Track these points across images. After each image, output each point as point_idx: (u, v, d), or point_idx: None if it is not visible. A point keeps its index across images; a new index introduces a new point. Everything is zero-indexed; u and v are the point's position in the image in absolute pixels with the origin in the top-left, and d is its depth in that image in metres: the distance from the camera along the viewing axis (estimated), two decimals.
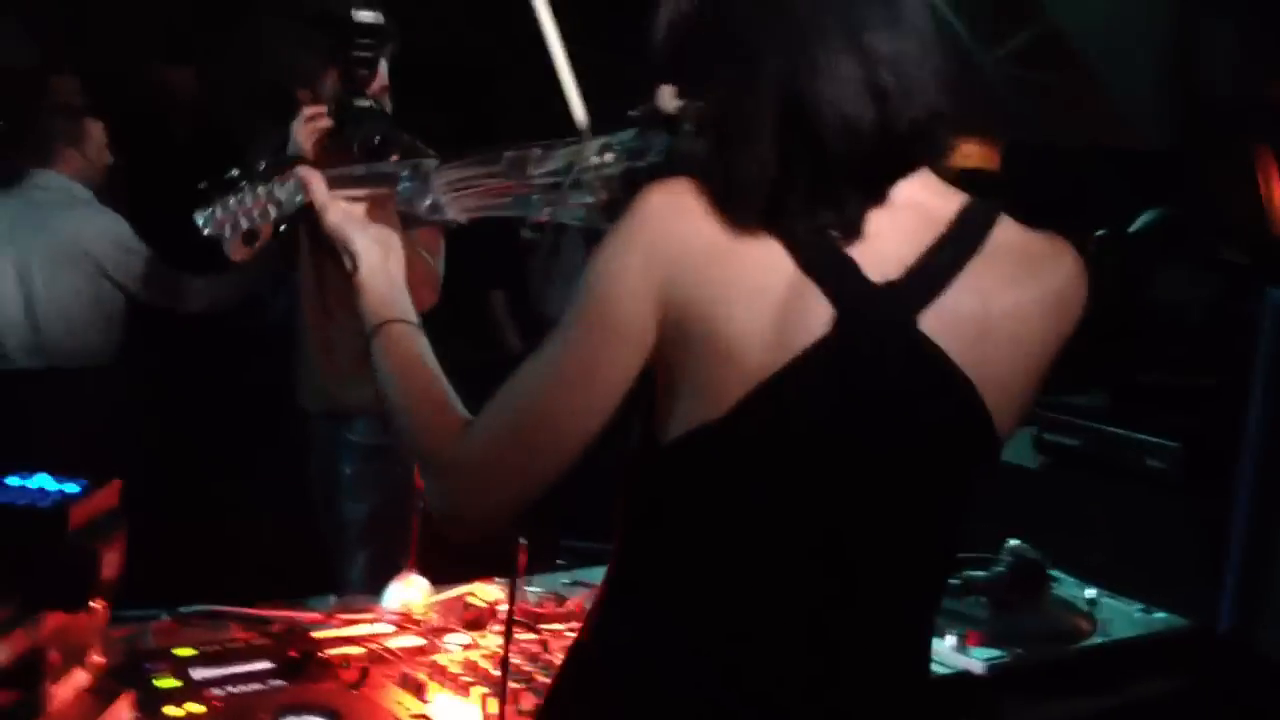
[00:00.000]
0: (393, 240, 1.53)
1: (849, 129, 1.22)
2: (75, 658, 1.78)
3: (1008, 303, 1.29)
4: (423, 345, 1.45)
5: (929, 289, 1.27)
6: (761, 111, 1.22)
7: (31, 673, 1.66)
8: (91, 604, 1.75)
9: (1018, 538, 2.49)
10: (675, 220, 1.22)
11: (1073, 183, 5.01)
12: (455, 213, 1.49)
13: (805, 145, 1.22)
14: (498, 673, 2.08)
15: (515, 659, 2.14)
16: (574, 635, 2.27)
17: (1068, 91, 6.72)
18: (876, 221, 1.26)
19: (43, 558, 1.64)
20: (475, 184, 1.48)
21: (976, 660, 2.20)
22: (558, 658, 2.18)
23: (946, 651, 2.21)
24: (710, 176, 1.23)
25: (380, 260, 1.50)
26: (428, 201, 1.49)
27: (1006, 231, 1.33)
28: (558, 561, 2.63)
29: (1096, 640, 2.39)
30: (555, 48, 2.54)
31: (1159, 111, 6.07)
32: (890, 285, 1.26)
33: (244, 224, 1.53)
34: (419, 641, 2.23)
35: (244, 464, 3.73)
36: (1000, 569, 2.43)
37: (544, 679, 2.09)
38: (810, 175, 1.22)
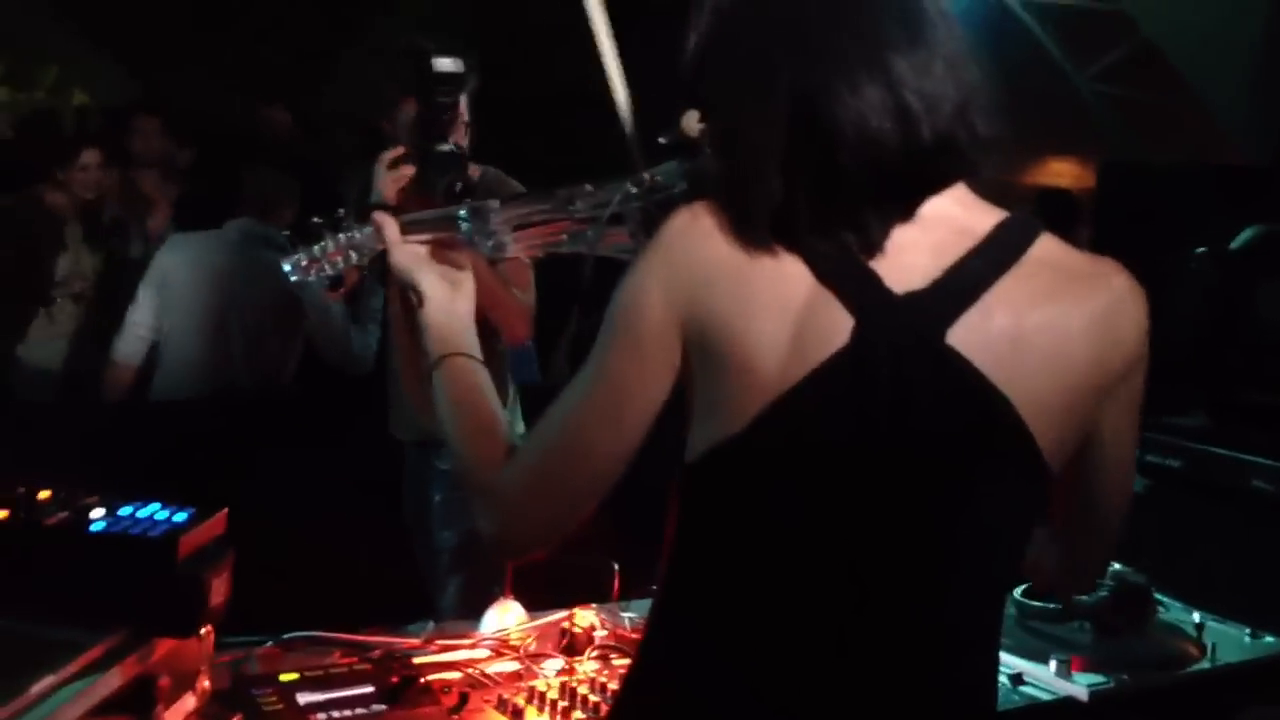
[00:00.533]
0: (461, 278, 1.57)
1: (869, 148, 1.21)
2: (185, 683, 1.82)
3: (1043, 318, 1.25)
4: (481, 378, 1.50)
5: (956, 301, 1.24)
6: (774, 133, 1.22)
7: (143, 698, 1.70)
8: (200, 630, 1.79)
9: (1121, 561, 2.45)
10: (694, 241, 1.25)
11: (1170, 200, 4.92)
12: (516, 250, 1.55)
13: (823, 165, 1.22)
14: (595, 697, 2.09)
15: (611, 684, 2.15)
16: None
17: (1164, 108, 6.62)
18: (904, 236, 1.25)
19: (154, 585, 1.69)
20: (533, 222, 1.54)
21: (1079, 686, 2.16)
22: None
23: (1049, 677, 2.18)
24: (726, 197, 1.25)
25: (445, 297, 1.54)
26: (490, 241, 1.54)
27: (1048, 248, 1.29)
28: (653, 587, 2.63)
29: (1204, 666, 2.33)
30: (615, 78, 2.58)
31: (1258, 126, 5.94)
32: (913, 296, 1.24)
33: (328, 270, 1.59)
34: (516, 667, 2.25)
35: (342, 492, 3.79)
36: (1104, 593, 2.39)
37: None
38: (829, 195, 1.22)
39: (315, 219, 1.61)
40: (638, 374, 1.27)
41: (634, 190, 1.43)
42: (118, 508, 1.76)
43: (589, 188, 1.49)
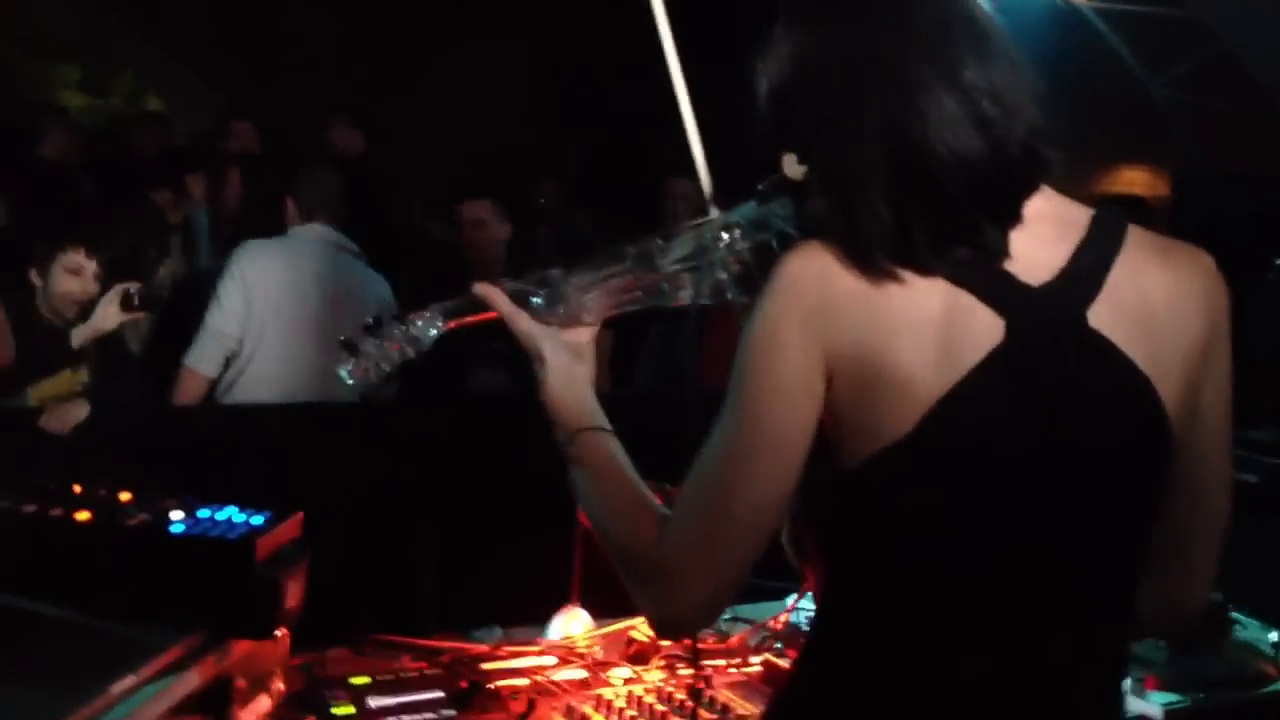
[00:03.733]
0: (583, 345, 1.55)
1: (964, 163, 1.25)
2: (260, 684, 1.85)
3: (1161, 290, 1.31)
4: (615, 450, 1.47)
5: (1088, 287, 1.29)
6: (871, 167, 1.26)
7: (220, 698, 1.73)
8: (276, 632, 1.81)
9: None
10: (818, 280, 1.26)
11: (1247, 210, 4.85)
12: (591, 316, 1.53)
13: (924, 189, 1.25)
14: (661, 707, 2.09)
15: (678, 694, 2.15)
16: (736, 670, 2.29)
17: (1240, 117, 6.51)
18: (1016, 236, 1.30)
19: (231, 587, 1.71)
20: (604, 284, 1.52)
21: (1154, 705, 2.14)
22: (720, 693, 2.18)
23: (1124, 695, 2.15)
24: (838, 235, 1.27)
25: (567, 366, 1.51)
26: (562, 309, 1.53)
27: (1139, 233, 1.35)
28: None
29: None
30: (689, 122, 2.58)
31: None
32: (1049, 287, 1.28)
33: (384, 368, 1.55)
34: (583, 674, 2.26)
35: (412, 499, 3.82)
36: None
37: (707, 714, 2.10)
38: (938, 215, 1.26)
39: (367, 320, 1.58)
40: (786, 416, 1.27)
41: (724, 238, 1.42)
42: (197, 510, 1.79)
43: (660, 241, 1.48)
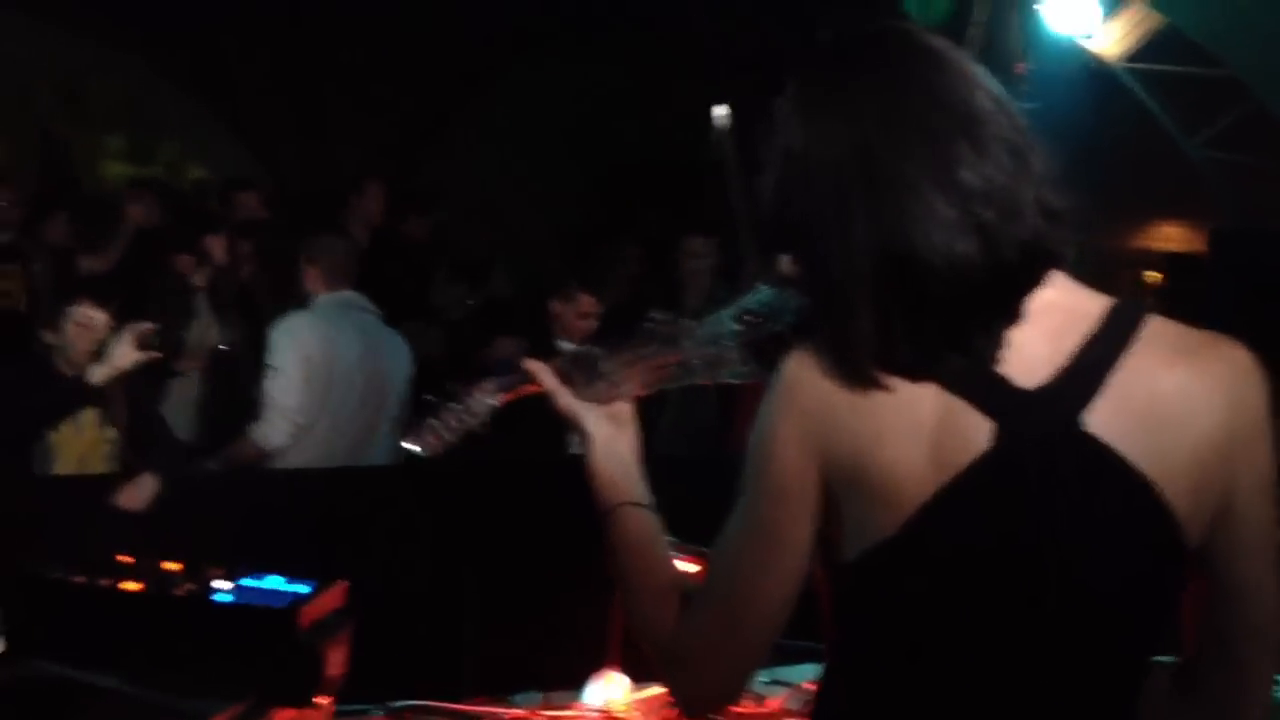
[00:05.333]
0: (624, 416, 1.56)
1: (956, 272, 1.20)
2: None
3: (1171, 388, 1.24)
4: (653, 528, 1.48)
5: (1087, 386, 1.24)
6: (856, 276, 1.22)
7: None
8: (318, 700, 1.84)
9: None
10: (813, 383, 1.26)
11: None
12: (626, 392, 1.57)
13: (913, 298, 1.22)
14: None
15: None
16: None
17: (1275, 173, 6.50)
18: (1016, 332, 1.25)
19: (275, 656, 1.74)
20: (640, 362, 1.57)
21: None
22: None
23: None
24: (824, 336, 1.25)
25: (609, 438, 1.54)
26: (602, 385, 1.57)
27: (1159, 326, 1.28)
28: None
29: None
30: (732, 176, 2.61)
31: None
32: (1044, 389, 1.24)
33: (447, 438, 1.61)
34: None
35: (450, 563, 3.85)
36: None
37: None
38: (927, 325, 1.22)
39: (429, 397, 1.65)
40: (787, 518, 1.29)
41: (738, 328, 1.47)
42: (242, 579, 1.82)
43: (689, 322, 1.53)
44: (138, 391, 4.02)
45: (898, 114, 1.24)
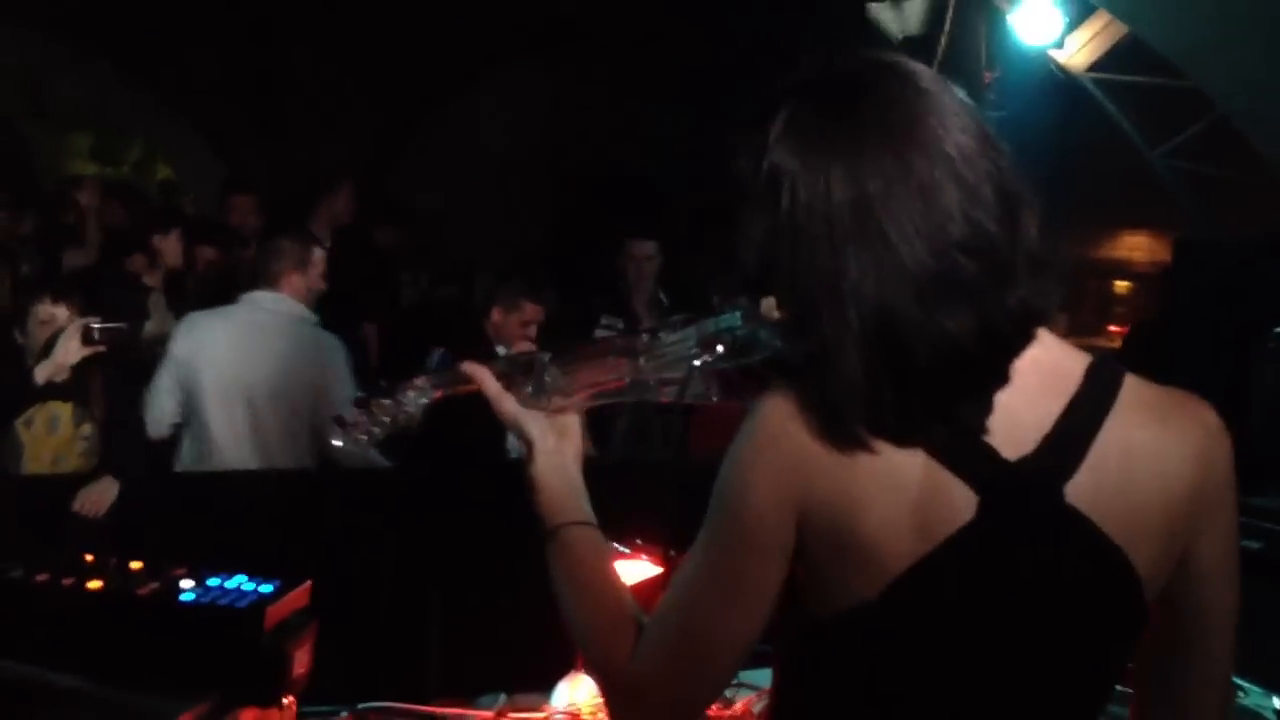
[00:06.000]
0: (568, 423, 1.51)
1: (949, 341, 1.17)
2: None
3: (1147, 454, 1.25)
4: (600, 548, 1.43)
5: (1072, 456, 1.24)
6: (848, 330, 1.18)
7: None
8: (283, 700, 1.83)
9: None
10: (793, 436, 1.22)
11: (1246, 276, 4.88)
12: (576, 404, 1.51)
13: (901, 363, 1.18)
14: None
15: None
16: None
17: (1239, 184, 6.58)
18: (1001, 396, 1.23)
19: (240, 656, 1.73)
20: (590, 373, 1.50)
21: None
22: None
23: None
24: (813, 390, 1.21)
25: (554, 448, 1.47)
26: (546, 395, 1.50)
27: (1135, 387, 1.28)
28: None
29: None
30: None
31: None
32: (1030, 459, 1.23)
33: (376, 434, 1.56)
34: None
35: (417, 565, 3.84)
36: None
37: None
38: (915, 392, 1.19)
39: (359, 393, 1.61)
40: (754, 564, 1.25)
41: (706, 356, 1.39)
42: (206, 578, 1.81)
43: (645, 338, 1.45)
44: (116, 389, 4.01)
45: (898, 167, 1.19)
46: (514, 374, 1.51)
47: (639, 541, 2.34)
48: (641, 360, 1.45)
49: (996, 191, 1.21)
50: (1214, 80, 6.07)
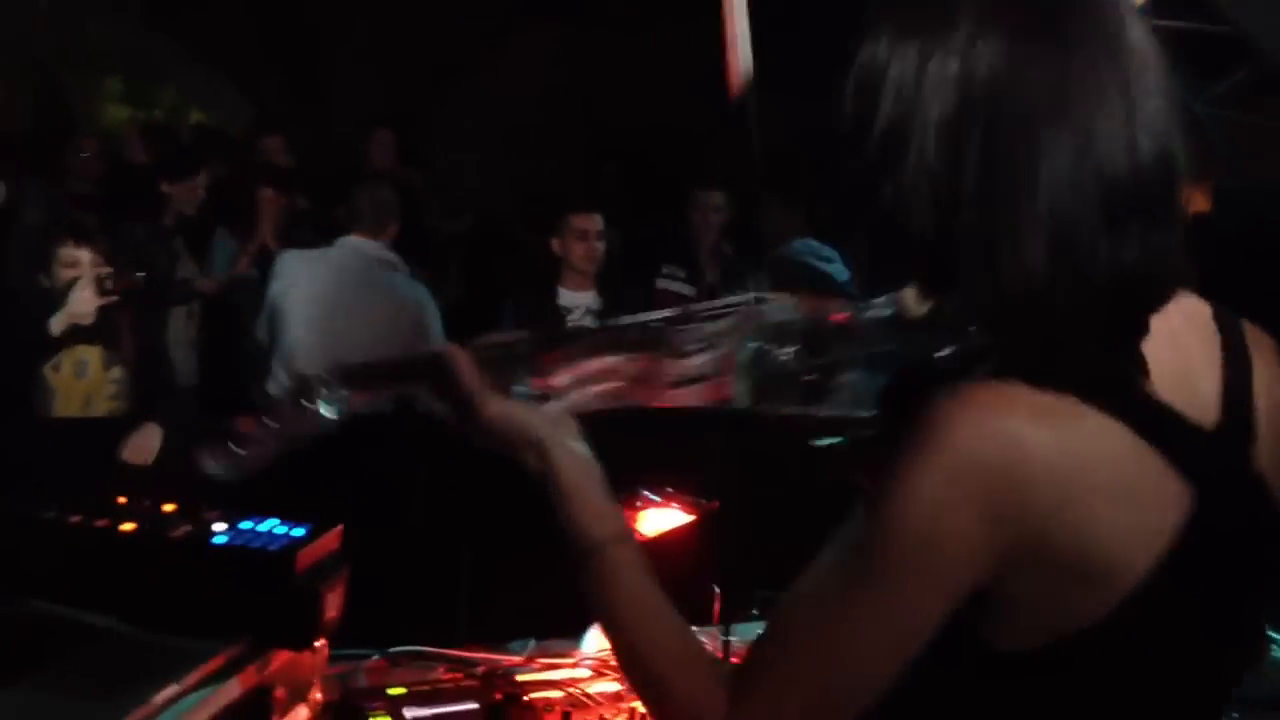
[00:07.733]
0: (572, 425, 1.28)
1: (1122, 274, 1.05)
2: (298, 694, 1.87)
3: (1273, 389, 1.17)
4: (649, 567, 1.22)
5: (1247, 424, 1.13)
6: (1035, 231, 1.03)
7: (259, 708, 1.75)
8: (315, 643, 1.84)
9: None
10: (1003, 450, 1.02)
11: None
12: (577, 404, 1.26)
13: (1079, 282, 1.04)
14: None
15: None
16: None
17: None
18: (1166, 356, 1.09)
19: (272, 598, 1.73)
20: (593, 367, 1.26)
21: None
22: None
23: None
24: (1010, 357, 1.04)
25: (573, 445, 1.25)
26: (536, 391, 1.25)
27: (1250, 329, 1.20)
28: (752, 611, 2.64)
29: None
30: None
31: None
32: (1219, 431, 1.12)
33: (271, 448, 1.34)
34: (617, 687, 2.26)
35: (449, 511, 3.85)
36: None
37: None
38: (1089, 316, 1.05)
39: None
40: (928, 598, 1.05)
41: (771, 352, 1.17)
42: (238, 521, 1.82)
43: (665, 325, 1.22)
44: (144, 332, 4.03)
45: (1104, 52, 1.07)
46: (491, 367, 1.25)
47: (669, 489, 2.33)
48: (665, 355, 1.23)
49: (1164, 94, 1.10)
50: (1259, 25, 5.95)
